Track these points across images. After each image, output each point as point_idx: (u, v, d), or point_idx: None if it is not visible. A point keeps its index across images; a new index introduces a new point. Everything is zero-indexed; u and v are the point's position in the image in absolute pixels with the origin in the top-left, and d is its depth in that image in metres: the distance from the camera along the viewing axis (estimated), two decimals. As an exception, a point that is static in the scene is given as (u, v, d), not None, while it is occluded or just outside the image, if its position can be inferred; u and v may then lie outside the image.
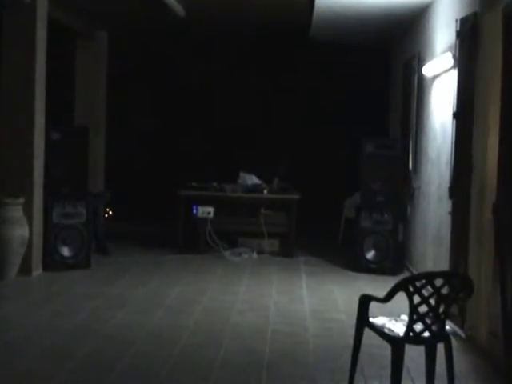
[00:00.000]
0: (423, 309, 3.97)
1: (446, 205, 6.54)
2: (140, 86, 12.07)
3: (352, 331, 4.48)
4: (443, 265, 6.47)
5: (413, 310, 3.95)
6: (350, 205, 9.80)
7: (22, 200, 7.50)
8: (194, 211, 9.26)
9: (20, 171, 7.59)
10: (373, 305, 4.30)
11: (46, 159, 7.87)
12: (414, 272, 8.01)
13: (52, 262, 7.94)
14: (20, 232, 7.44)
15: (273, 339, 5.53)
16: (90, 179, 8.66)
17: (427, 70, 7.78)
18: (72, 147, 8.14)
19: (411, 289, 3.93)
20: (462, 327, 5.67)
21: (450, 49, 6.63)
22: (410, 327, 3.98)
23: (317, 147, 11.88)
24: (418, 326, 4.00)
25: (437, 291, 3.95)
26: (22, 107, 7.59)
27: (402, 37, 10.12)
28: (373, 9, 8.51)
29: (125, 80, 11.91)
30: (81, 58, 10.76)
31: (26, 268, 7.56)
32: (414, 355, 4.65)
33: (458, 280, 4.09)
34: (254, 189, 9.57)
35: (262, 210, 9.47)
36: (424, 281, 3.97)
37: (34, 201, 7.65)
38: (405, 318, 4.15)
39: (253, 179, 9.84)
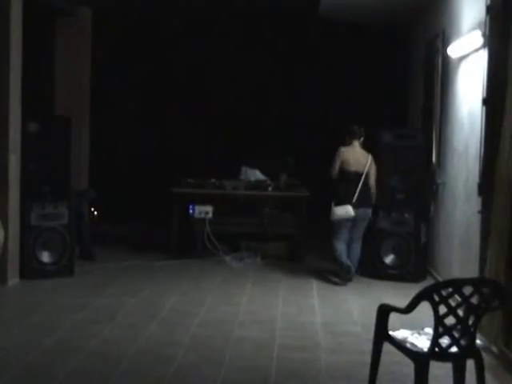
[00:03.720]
0: (450, 321, 3.96)
1: (475, 203, 6.52)
2: (129, 69, 12.05)
3: (369, 346, 4.47)
4: (472, 271, 6.45)
5: (438, 321, 3.94)
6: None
7: (-5, 200, 7.50)
8: (191, 211, 9.26)
9: (-7, 167, 7.59)
10: (393, 316, 4.29)
11: (22, 153, 7.86)
12: (439, 279, 8.00)
13: (30, 269, 7.93)
14: (-6, 236, 7.44)
15: (280, 356, 5.52)
16: (72, 176, 8.65)
17: (453, 51, 7.76)
18: (52, 140, 8.14)
19: (436, 298, 3.92)
20: (494, 341, 5.65)
21: (478, 26, 6.61)
22: (435, 341, 3.97)
23: (329, 138, 11.85)
24: (445, 341, 3.99)
25: (465, 301, 3.93)
26: (-5, 95, 7.58)
27: (423, 13, 10.09)
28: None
29: (111, 63, 11.88)
30: (61, 38, 10.70)
31: (0, 276, 7.55)
32: (440, 373, 4.63)
33: (489, 288, 4.07)
34: (258, 185, 9.57)
35: (267, 210, 9.46)
36: (451, 289, 3.96)
37: (10, 200, 7.64)
38: (429, 331, 4.14)
39: (256, 175, 9.83)
